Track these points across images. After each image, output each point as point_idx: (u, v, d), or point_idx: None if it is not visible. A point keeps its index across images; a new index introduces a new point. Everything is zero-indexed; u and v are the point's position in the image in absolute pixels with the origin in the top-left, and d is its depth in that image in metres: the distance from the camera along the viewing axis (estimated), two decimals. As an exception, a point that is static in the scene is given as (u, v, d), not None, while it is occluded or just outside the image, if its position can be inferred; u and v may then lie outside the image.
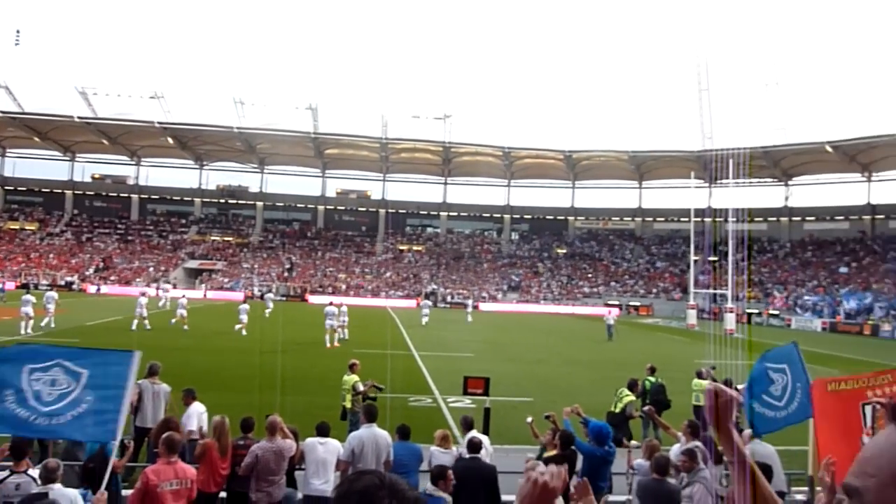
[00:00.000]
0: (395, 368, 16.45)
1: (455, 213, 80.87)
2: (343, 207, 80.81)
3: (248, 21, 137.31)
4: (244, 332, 27.95)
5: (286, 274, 68.07)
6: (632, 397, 12.00)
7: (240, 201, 79.87)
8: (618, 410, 11.78)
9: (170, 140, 70.76)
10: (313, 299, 57.55)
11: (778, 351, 7.23)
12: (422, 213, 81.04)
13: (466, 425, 8.54)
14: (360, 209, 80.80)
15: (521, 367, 22.86)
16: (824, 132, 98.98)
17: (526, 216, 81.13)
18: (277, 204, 79.37)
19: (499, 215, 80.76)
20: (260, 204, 78.96)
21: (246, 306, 29.86)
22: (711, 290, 57.75)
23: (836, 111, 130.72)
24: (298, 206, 79.98)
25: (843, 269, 62.70)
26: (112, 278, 63.83)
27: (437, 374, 20.02)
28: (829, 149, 61.51)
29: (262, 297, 49.04)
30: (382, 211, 79.76)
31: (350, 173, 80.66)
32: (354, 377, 11.64)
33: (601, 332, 36.33)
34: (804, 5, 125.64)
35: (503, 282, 69.67)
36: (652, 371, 13.67)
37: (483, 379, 10.36)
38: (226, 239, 74.67)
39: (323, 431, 7.84)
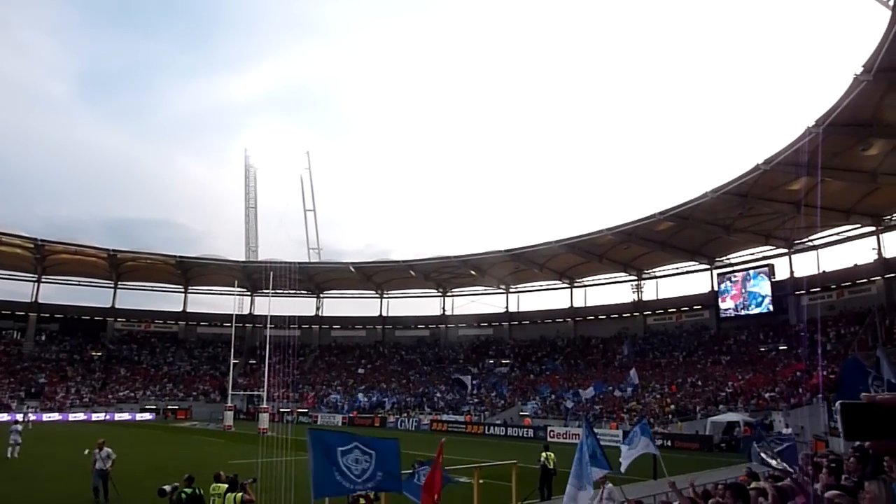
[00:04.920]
0: None
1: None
2: None
3: None
4: None
5: None
6: None
7: None
8: None
9: None
10: None
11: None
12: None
13: None
14: None
15: (31, 486, 20.80)
16: (350, 256, 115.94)
17: (58, 315, 73.83)
18: None
19: (23, 313, 71.64)
20: None
21: None
22: (248, 392, 61.53)
23: (358, 239, 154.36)
24: None
25: (361, 371, 73.70)
26: None
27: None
28: (352, 269, 73.17)
29: None
30: None
31: None
32: None
33: (135, 437, 35.43)
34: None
35: (21, 388, 61.61)
36: (189, 482, 13.28)
37: None
38: None
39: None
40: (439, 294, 77.94)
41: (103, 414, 59.33)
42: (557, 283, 70.58)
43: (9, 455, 27.95)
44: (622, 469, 14.96)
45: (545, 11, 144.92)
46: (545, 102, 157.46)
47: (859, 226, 47.56)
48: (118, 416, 59.43)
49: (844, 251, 50.43)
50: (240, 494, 11.96)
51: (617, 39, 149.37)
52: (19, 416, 43.61)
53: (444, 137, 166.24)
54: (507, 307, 74.93)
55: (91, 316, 75.93)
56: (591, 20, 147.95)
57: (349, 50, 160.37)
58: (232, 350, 55.09)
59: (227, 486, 12.85)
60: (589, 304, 69.79)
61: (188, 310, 79.34)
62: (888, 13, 25.75)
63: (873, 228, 47.03)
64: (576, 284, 69.95)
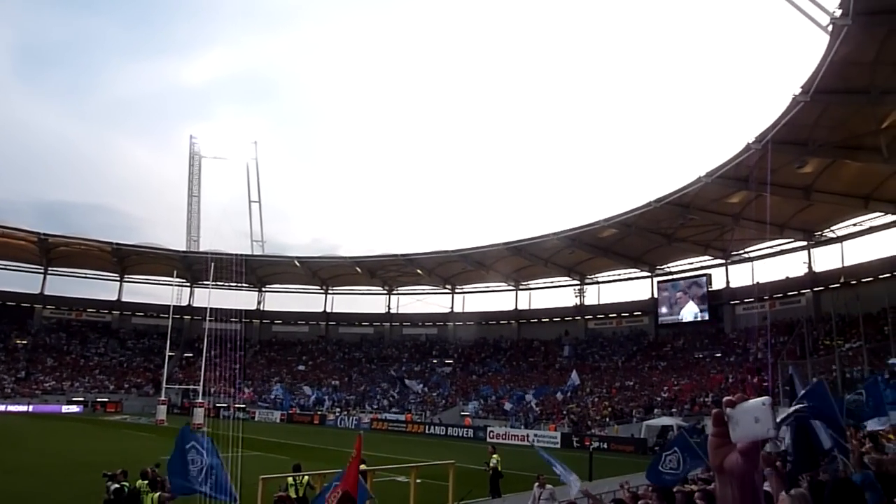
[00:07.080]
0: None
1: None
2: None
3: None
4: None
5: None
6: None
7: None
8: None
9: None
10: None
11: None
12: None
13: None
14: None
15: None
16: (296, 250, 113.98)
17: (-19, 302, 70.36)
18: None
19: (-57, 297, 68.06)
20: None
21: None
22: (184, 386, 59.89)
23: (305, 233, 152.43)
24: None
25: (302, 367, 72.64)
26: None
27: None
28: (297, 263, 72.08)
29: None
30: None
31: None
32: None
33: (59, 431, 34.27)
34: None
35: (-62, 377, 58.54)
36: (124, 475, 13.07)
37: None
38: None
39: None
40: (384, 292, 77.51)
41: (25, 406, 56.84)
42: (502, 286, 71.11)
43: None
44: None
45: (506, 12, 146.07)
46: (497, 105, 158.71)
47: (792, 240, 49.48)
48: (42, 408, 56.99)
49: (777, 264, 52.52)
50: (157, 494, 11.59)
51: (569, 49, 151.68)
52: None
53: (396, 134, 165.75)
54: (451, 307, 75.05)
55: (17, 302, 72.54)
56: (535, 33, 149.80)
57: (304, 40, 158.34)
58: (168, 342, 53.47)
59: (147, 482, 12.49)
60: (533, 306, 70.57)
61: (123, 299, 76.77)
62: (826, 37, 26.76)
63: (805, 243, 49.01)
64: (520, 287, 70.60)
